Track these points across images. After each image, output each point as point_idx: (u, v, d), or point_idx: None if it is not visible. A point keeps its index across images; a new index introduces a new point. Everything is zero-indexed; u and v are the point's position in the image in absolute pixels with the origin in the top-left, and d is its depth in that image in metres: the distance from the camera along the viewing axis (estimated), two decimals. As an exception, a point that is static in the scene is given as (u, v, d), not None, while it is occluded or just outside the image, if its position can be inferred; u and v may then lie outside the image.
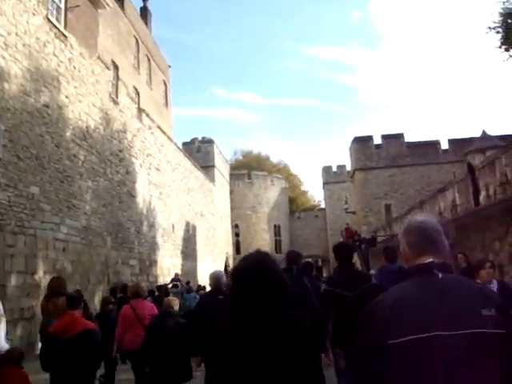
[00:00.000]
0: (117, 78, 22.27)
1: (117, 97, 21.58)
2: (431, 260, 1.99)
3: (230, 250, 50.71)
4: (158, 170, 26.89)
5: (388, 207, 38.63)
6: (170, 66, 34.12)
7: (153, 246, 24.92)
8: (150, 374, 6.21)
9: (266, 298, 2.38)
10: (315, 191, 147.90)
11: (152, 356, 6.07)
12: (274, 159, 76.02)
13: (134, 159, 23.25)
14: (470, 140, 38.89)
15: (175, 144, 32.10)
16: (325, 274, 32.18)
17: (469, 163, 16.30)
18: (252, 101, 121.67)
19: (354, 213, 42.94)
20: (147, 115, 26.07)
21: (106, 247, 19.32)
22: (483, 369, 1.76)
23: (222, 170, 48.88)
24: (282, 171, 68.01)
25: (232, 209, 52.63)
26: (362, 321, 2.02)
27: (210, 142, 46.63)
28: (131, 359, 7.49)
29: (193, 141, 46.71)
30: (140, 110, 25.65)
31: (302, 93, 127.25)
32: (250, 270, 2.47)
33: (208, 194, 41.38)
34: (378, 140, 39.95)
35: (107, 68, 20.46)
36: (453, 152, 38.90)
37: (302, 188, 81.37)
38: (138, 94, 27.41)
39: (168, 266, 27.32)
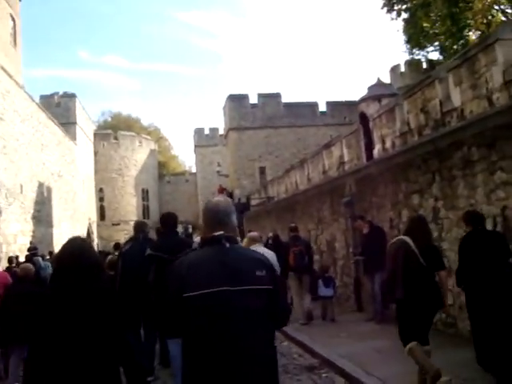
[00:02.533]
0: None
1: None
2: (221, 233, 2.57)
3: (94, 215, 46.62)
4: (0, 119, 22.67)
5: (262, 170, 36.84)
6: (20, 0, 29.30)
7: (-7, 209, 20.96)
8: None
9: (80, 273, 2.95)
10: (186, 157, 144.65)
11: (5, 319, 6.66)
12: (145, 122, 72.05)
13: (-34, 103, 19.07)
14: (349, 103, 38.25)
15: (26, 92, 27.68)
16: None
17: (362, 112, 14.46)
18: (120, 65, 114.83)
19: (226, 176, 40.77)
20: (-14, 52, 21.74)
21: None
22: (254, 316, 2.46)
23: (85, 128, 44.33)
24: (153, 134, 64.28)
25: (96, 171, 48.30)
26: (168, 278, 2.71)
27: (71, 96, 41.83)
28: None
29: (52, 95, 41.62)
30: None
31: (172, 58, 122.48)
32: (70, 253, 3.04)
33: (68, 153, 37.06)
34: (254, 99, 37.80)
35: None
36: (330, 115, 37.93)
37: (173, 152, 78.37)
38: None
39: (14, 233, 23.40)
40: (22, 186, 25.00)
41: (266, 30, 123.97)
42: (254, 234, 8.23)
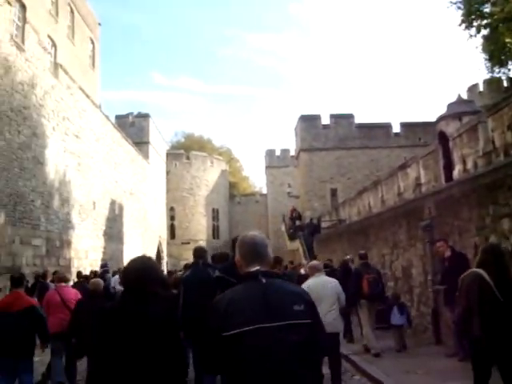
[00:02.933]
0: (23, 19, 18.43)
1: (23, 42, 17.82)
2: (257, 268, 2.64)
3: (164, 233, 47.11)
4: (77, 137, 23.19)
5: (334, 192, 36.04)
6: (99, 24, 30.23)
7: (66, 225, 21.29)
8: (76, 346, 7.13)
9: (142, 291, 3.09)
10: (257, 178, 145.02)
11: (77, 332, 6.94)
12: (217, 143, 72.69)
13: (44, 120, 19.54)
14: (424, 124, 37.08)
15: (101, 111, 28.34)
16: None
17: (440, 131, 13.61)
18: (193, 87, 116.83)
19: (297, 197, 40.20)
20: (66, 72, 22.32)
21: (-1, 222, 15.71)
22: (293, 351, 2.45)
23: (158, 147, 45.09)
24: (224, 155, 64.55)
25: (168, 190, 48.95)
26: (207, 316, 2.63)
27: (145, 116, 42.73)
28: (52, 341, 7.45)
29: (127, 115, 42.67)
30: (57, 65, 21.89)
31: (243, 80, 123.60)
32: (135, 269, 3.20)
33: (140, 171, 37.69)
34: (326, 120, 37.21)
35: (8, 2, 16.66)
36: (404, 136, 36.79)
37: (244, 173, 78.60)
38: (54, 45, 23.60)
39: (86, 249, 23.74)
40: (94, 203, 25.42)
41: (337, 50, 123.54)
42: (315, 262, 8.03)
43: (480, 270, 4.75)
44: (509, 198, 6.98)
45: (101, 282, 8.36)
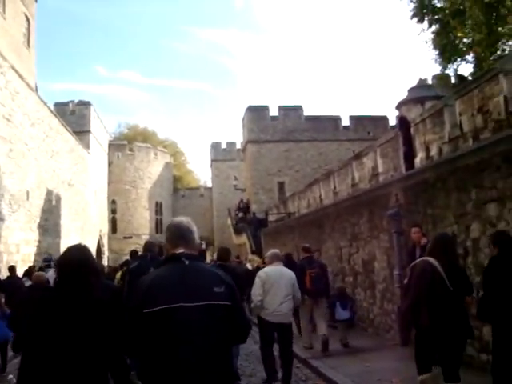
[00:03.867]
0: None
1: None
2: (182, 251, 2.78)
3: (106, 227, 45.19)
4: (8, 120, 21.36)
5: (281, 185, 35.23)
6: (36, 0, 28.16)
7: (-6, 215, 19.53)
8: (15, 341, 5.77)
9: (77, 281, 3.01)
10: (202, 172, 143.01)
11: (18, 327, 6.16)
12: (162, 136, 70.78)
13: (-32, 99, 17.76)
14: (373, 118, 36.80)
15: (38, 95, 26.45)
16: (209, 257, 28.37)
17: (402, 117, 12.85)
18: (137, 80, 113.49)
19: (243, 190, 39.19)
20: (-4, 50, 20.52)
21: None
22: (212, 331, 2.60)
23: (99, 138, 43.10)
24: (169, 148, 62.76)
25: (110, 182, 47.01)
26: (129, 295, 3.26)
27: (86, 104, 40.66)
28: None
29: (67, 103, 40.48)
30: (-15, 41, 20.06)
31: (190, 74, 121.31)
32: (69, 258, 3.12)
33: (80, 161, 35.78)
34: (274, 112, 36.32)
35: None
36: (353, 130, 36.36)
37: (189, 167, 77.02)
38: (-19, 18, 21.65)
39: (17, 242, 21.95)
40: (28, 193, 23.62)
41: (285, 45, 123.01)
42: (275, 251, 7.70)
43: (431, 259, 4.73)
44: (496, 181, 6.14)
45: (43, 274, 8.38)
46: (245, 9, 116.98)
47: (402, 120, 12.81)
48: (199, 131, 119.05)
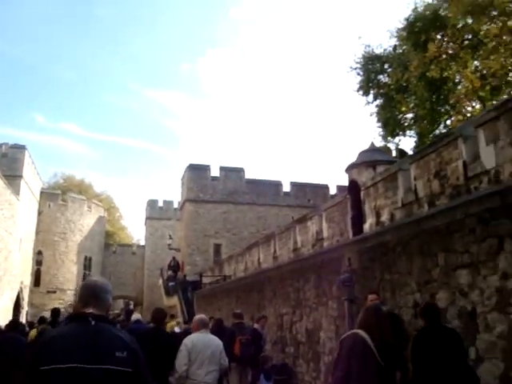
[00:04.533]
0: None
1: None
2: (90, 311, 2.71)
3: (28, 279, 42.34)
4: None
5: (218, 247, 34.21)
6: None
7: None
8: None
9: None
10: (136, 230, 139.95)
11: None
12: (98, 189, 68.75)
13: None
14: (314, 186, 36.77)
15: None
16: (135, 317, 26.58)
17: (352, 180, 12.34)
18: (77, 133, 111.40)
19: (178, 250, 37.81)
20: None
21: None
22: None
23: (31, 184, 40.97)
24: (104, 202, 60.85)
25: (38, 232, 44.40)
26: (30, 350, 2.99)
27: (21, 148, 38.78)
28: None
29: (0, 144, 38.63)
30: None
31: (131, 132, 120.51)
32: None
33: (7, 207, 33.60)
34: (215, 172, 35.72)
35: None
36: (294, 196, 36.13)
37: (123, 223, 74.90)
38: None
39: None
40: None
41: (228, 108, 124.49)
42: (202, 316, 7.30)
43: (362, 332, 4.47)
44: (469, 244, 5.49)
45: None
46: (190, 72, 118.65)
47: (352, 183, 12.32)
48: (136, 188, 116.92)
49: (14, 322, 10.55)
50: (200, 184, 34.96)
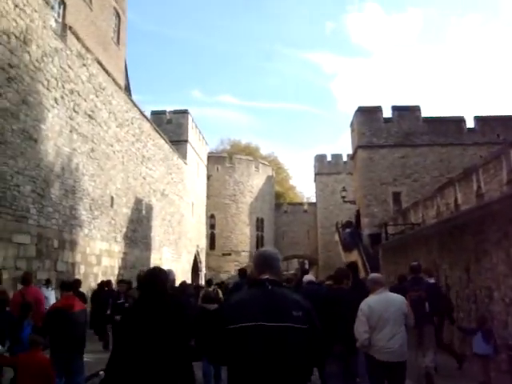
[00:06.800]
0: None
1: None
2: (266, 277, 3.14)
3: (203, 243, 42.63)
4: (90, 117, 18.98)
5: (397, 196, 30.74)
6: (127, -4, 26.25)
7: (69, 221, 16.96)
8: None
9: (156, 295, 3.76)
10: (305, 189, 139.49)
11: None
12: (264, 152, 68.31)
13: (41, 87, 15.37)
14: (503, 119, 31.51)
15: (126, 95, 24.18)
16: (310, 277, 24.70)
17: None
18: (235, 103, 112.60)
19: (353, 202, 35.11)
20: (77, 37, 18.21)
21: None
22: (289, 349, 2.87)
23: (197, 148, 40.84)
24: (271, 164, 60.03)
25: (208, 196, 44.67)
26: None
27: (184, 112, 38.51)
28: None
29: (163, 111, 38.64)
30: (65, 26, 17.82)
31: (289, 97, 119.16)
32: (149, 279, 3.91)
33: (176, 171, 33.39)
34: (387, 113, 32.12)
35: None
36: (480, 132, 31.21)
37: (291, 183, 73.89)
38: (63, 3, 19.52)
39: (98, 253, 19.37)
40: (112, 199, 21.14)
41: (391, 61, 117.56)
42: (376, 275, 6.79)
43: None
44: None
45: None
46: (336, 31, 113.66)
47: None
48: (301, 147, 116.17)
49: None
50: (372, 128, 31.61)
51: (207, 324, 3.18)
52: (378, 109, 31.94)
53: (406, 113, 31.65)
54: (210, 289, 12.70)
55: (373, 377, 6.24)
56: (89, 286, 17.58)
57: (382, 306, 5.95)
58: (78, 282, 11.46)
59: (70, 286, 7.60)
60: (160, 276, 3.92)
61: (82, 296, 12.53)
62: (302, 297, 3.21)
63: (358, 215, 32.34)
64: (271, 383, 2.82)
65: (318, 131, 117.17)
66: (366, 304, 6.02)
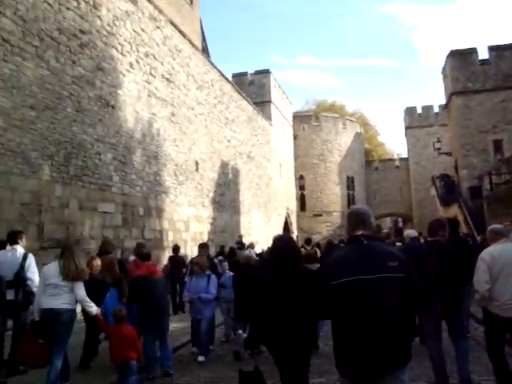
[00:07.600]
0: None
1: None
2: (361, 232, 3.29)
3: (293, 205, 41.82)
4: (168, 80, 18.51)
5: (498, 144, 28.44)
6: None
7: (154, 188, 16.71)
8: None
9: (290, 263, 4.16)
10: (394, 145, 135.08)
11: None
12: (350, 109, 66.09)
13: (115, 52, 14.99)
14: None
15: (205, 56, 23.55)
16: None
17: None
18: (316, 64, 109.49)
19: (449, 154, 32.99)
20: (149, 0, 17.67)
21: (40, 179, 11.30)
22: (389, 298, 3.05)
23: (282, 108, 39.80)
24: (358, 120, 57.86)
25: (296, 157, 43.61)
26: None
27: (265, 72, 37.45)
28: None
29: (244, 72, 37.79)
30: (135, -12, 17.28)
31: (370, 52, 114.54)
32: (282, 248, 4.30)
33: (261, 133, 32.65)
34: (483, 55, 29.61)
35: None
36: None
37: (380, 139, 71.26)
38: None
39: (185, 219, 19.11)
40: (197, 164, 20.76)
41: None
42: (496, 225, 6.02)
43: None
44: None
45: (252, 256, 10.98)
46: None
47: None
48: (387, 103, 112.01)
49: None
50: (467, 72, 29.24)
51: (312, 283, 3.46)
52: (473, 50, 29.51)
53: (505, 52, 28.99)
54: (309, 248, 13.18)
55: (491, 337, 5.63)
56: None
57: (507, 256, 5.37)
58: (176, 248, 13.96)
59: (148, 256, 8.24)
60: (295, 248, 4.50)
61: (182, 260, 13.77)
62: (396, 249, 3.51)
63: (455, 167, 30.33)
64: (374, 334, 3.02)
65: (402, 85, 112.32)
66: (487, 253, 5.50)
